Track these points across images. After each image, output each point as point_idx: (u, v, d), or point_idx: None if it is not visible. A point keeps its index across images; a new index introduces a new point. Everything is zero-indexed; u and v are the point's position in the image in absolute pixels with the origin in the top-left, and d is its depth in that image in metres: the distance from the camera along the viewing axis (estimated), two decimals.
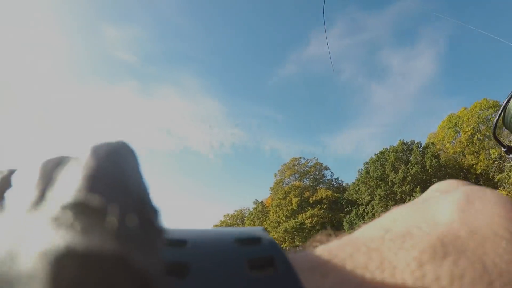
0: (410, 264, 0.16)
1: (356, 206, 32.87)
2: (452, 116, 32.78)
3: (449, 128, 32.81)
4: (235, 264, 0.14)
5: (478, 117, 31.16)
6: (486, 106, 31.61)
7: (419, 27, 39.84)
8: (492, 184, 30.17)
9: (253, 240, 0.16)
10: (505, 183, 29.31)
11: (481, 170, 31.48)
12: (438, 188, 0.27)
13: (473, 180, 31.83)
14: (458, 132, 32.44)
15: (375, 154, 32.45)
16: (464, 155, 32.30)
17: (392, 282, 0.15)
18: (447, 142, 32.86)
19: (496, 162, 30.89)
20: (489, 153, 30.97)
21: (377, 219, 0.22)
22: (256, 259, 0.14)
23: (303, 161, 35.23)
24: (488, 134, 31.01)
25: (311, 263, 0.17)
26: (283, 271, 0.14)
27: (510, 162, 30.63)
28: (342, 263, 0.17)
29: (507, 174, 29.61)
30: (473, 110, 31.80)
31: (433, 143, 32.14)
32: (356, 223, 29.75)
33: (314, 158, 35.82)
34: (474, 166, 31.79)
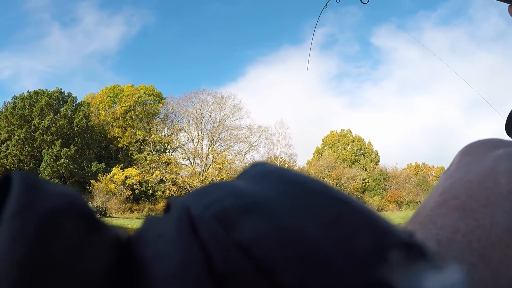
0: None
1: None
2: (117, 87, 35.32)
3: (109, 96, 34.88)
4: None
5: (139, 98, 35.19)
6: (150, 93, 36.35)
7: (126, 3, 44.52)
8: (129, 160, 33.42)
9: None
10: (141, 163, 33.14)
11: (123, 144, 34.33)
12: (470, 152, 0.30)
13: (113, 152, 33.83)
14: (116, 103, 34.80)
15: (28, 92, 30.25)
16: (112, 126, 34.49)
17: None
18: (102, 109, 34.35)
19: (138, 143, 34.74)
20: (135, 132, 34.70)
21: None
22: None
23: None
24: (140, 116, 34.91)
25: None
26: None
27: (150, 147, 35.23)
28: (447, 245, 0.22)
29: (144, 156, 33.78)
30: (138, 90, 35.85)
31: (89, 104, 32.96)
32: None
33: None
34: (119, 139, 34.37)
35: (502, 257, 0.20)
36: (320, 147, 56.35)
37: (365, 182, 50.32)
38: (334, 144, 55.88)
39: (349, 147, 56.18)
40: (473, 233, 0.22)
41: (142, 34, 49.09)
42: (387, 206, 50.03)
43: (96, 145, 32.81)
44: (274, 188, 0.16)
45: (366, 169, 53.01)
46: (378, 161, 57.79)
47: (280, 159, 41.41)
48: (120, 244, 0.15)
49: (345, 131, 56.72)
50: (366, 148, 57.06)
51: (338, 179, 44.37)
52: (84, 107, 32.02)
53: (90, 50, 47.40)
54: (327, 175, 44.07)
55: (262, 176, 0.18)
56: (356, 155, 55.73)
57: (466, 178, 0.26)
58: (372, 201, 48.10)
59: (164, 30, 49.32)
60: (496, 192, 0.23)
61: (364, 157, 56.46)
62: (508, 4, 0.62)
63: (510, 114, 0.65)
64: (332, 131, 57.03)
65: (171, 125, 38.04)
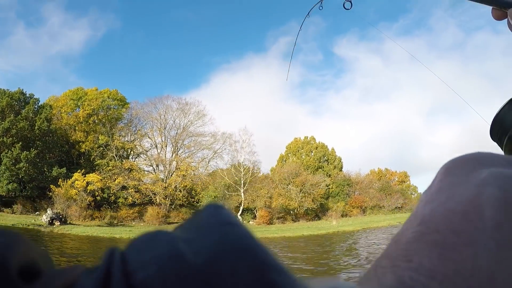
0: None
1: None
2: (80, 90, 35.38)
3: (72, 99, 34.85)
4: None
5: (102, 102, 35.33)
6: (114, 97, 36.46)
7: (92, 6, 46.24)
8: (91, 165, 33.58)
9: None
10: (103, 169, 33.36)
11: (86, 149, 34.41)
12: (453, 170, 0.29)
13: (74, 157, 33.88)
14: (79, 107, 34.83)
15: None
16: (75, 130, 34.51)
17: None
18: (65, 112, 34.35)
19: (101, 148, 34.89)
20: (98, 137, 34.83)
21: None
22: None
23: None
24: (103, 120, 34.97)
25: None
26: None
27: (113, 152, 35.34)
28: None
29: (106, 162, 33.99)
30: (102, 94, 35.99)
31: (51, 106, 32.86)
32: None
33: None
34: (81, 143, 34.43)
35: None
36: (284, 154, 57.62)
37: (329, 188, 51.81)
38: (298, 151, 57.28)
39: (312, 153, 57.70)
40: (451, 281, 0.21)
41: (107, 38, 49.71)
42: (351, 211, 51.79)
43: (58, 149, 32.77)
44: (207, 251, 0.17)
45: (329, 175, 54.58)
46: (342, 167, 59.62)
47: (244, 166, 42.29)
48: None
49: (308, 138, 58.28)
50: (330, 154, 58.75)
51: (302, 185, 45.44)
52: (46, 109, 31.92)
53: (54, 52, 47.79)
54: (291, 182, 45.15)
55: (205, 231, 0.19)
56: (319, 162, 57.30)
57: (448, 206, 0.25)
58: (336, 207, 49.68)
59: (129, 35, 50.19)
60: (480, 226, 0.22)
61: (327, 164, 58.08)
62: (490, 6, 0.66)
63: (494, 118, 0.68)
64: (296, 138, 58.49)
65: (135, 131, 38.40)
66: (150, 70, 52.22)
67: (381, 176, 62.27)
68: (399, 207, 56.02)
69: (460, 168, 0.29)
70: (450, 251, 0.22)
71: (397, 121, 57.36)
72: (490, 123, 0.68)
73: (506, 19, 0.60)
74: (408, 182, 67.03)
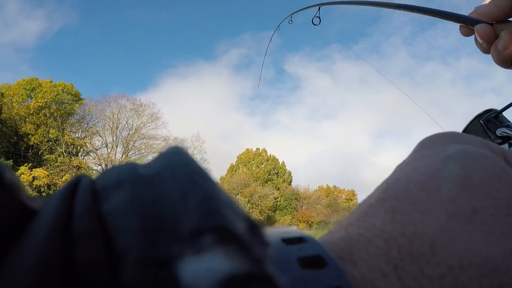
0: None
1: None
2: (35, 81, 35.84)
3: (25, 89, 35.18)
4: (288, 263, 0.19)
5: (56, 96, 35.92)
6: (69, 91, 37.05)
7: None
8: (38, 160, 34.16)
9: (298, 240, 0.21)
10: (51, 165, 33.98)
11: (34, 142, 34.91)
12: (427, 144, 0.31)
13: (22, 149, 34.28)
14: (31, 98, 35.22)
15: None
16: (25, 121, 34.79)
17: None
18: (16, 101, 34.70)
19: (50, 143, 35.41)
20: (48, 131, 35.32)
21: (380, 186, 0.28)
22: (305, 258, 0.19)
23: None
24: (55, 114, 35.47)
25: (339, 253, 0.22)
26: (331, 268, 0.19)
27: (62, 148, 35.85)
28: (365, 249, 0.22)
29: (55, 157, 34.62)
30: (57, 87, 36.51)
31: (2, 94, 33.26)
32: None
33: None
34: (30, 136, 34.81)
35: (417, 273, 0.20)
36: (234, 163, 59.65)
37: (277, 201, 54.01)
38: (249, 162, 59.44)
39: (263, 165, 59.99)
40: (395, 240, 0.22)
41: (63, 32, 50.00)
42: (297, 225, 53.90)
43: (6, 140, 33.20)
44: (156, 166, 0.20)
45: (278, 189, 56.84)
46: (291, 182, 62.12)
47: None
48: (20, 206, 0.17)
49: (260, 150, 60.56)
50: (280, 168, 61.23)
51: (250, 196, 47.30)
52: None
53: (7, 40, 47.47)
54: (240, 192, 47.03)
55: (160, 157, 0.22)
56: (269, 174, 59.63)
57: (410, 177, 0.26)
58: (283, 220, 51.79)
59: (84, 31, 50.80)
60: (435, 198, 0.24)
61: (277, 177, 60.48)
62: (459, 24, 0.65)
63: (463, 131, 0.68)
64: (248, 149, 60.67)
65: (86, 128, 39.03)
66: (102, 68, 53.19)
67: (329, 193, 65.26)
68: None
69: (434, 143, 0.31)
70: (402, 215, 0.23)
71: (344, 140, 60.84)
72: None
73: (474, 36, 0.62)
74: (355, 201, 70.51)
